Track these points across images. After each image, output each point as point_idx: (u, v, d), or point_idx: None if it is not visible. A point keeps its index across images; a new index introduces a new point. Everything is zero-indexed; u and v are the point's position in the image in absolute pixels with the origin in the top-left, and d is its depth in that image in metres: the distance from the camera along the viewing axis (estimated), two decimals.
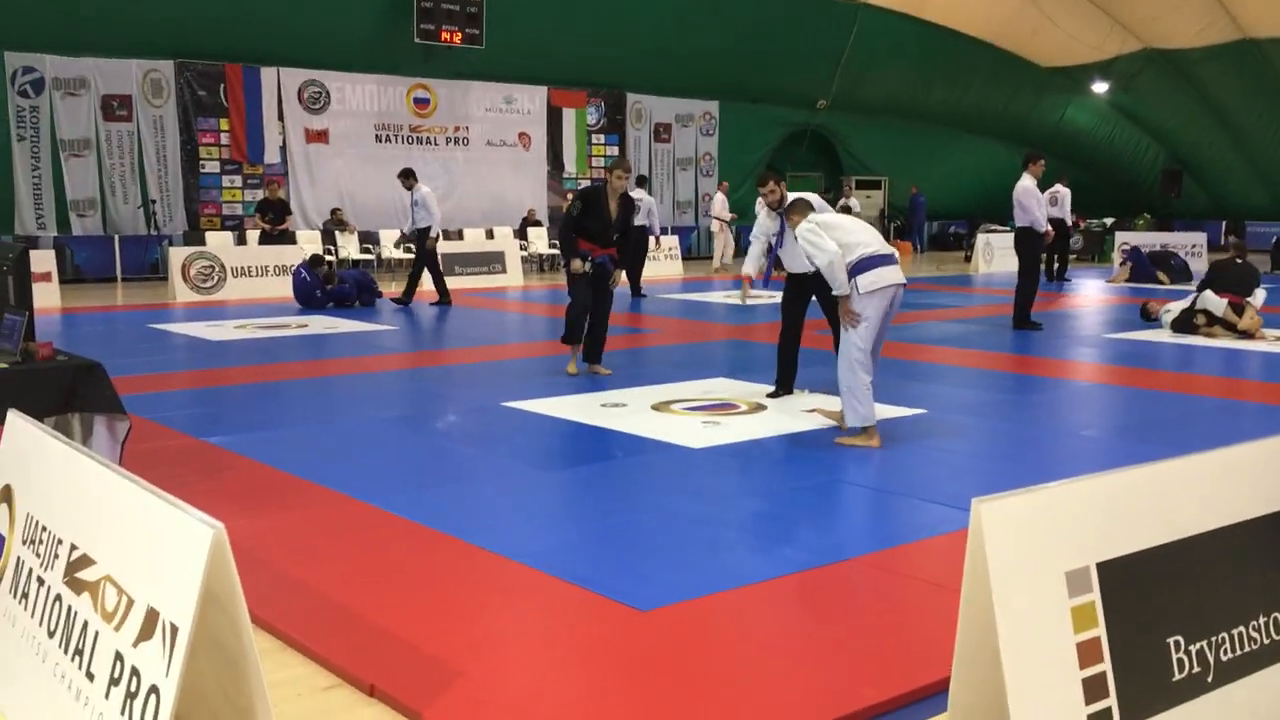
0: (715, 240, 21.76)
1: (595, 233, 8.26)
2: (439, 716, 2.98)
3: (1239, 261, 11.73)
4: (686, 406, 7.40)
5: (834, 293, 6.30)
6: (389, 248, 19.84)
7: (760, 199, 7.83)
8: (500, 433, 6.82)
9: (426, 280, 14.55)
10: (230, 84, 18.67)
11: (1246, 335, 10.88)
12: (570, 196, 22.61)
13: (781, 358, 7.77)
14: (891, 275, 6.22)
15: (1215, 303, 11.15)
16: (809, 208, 6.68)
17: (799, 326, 7.78)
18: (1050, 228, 12.25)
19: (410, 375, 9.10)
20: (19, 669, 2.83)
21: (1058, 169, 19.39)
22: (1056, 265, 18.49)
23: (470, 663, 3.33)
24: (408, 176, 14.52)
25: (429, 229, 14.20)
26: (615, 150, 23.53)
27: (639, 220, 14.45)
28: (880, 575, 4.19)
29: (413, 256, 15.28)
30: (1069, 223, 18.95)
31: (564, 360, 8.76)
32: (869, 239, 6.32)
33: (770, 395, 7.71)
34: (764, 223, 7.57)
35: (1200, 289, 11.54)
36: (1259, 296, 11.33)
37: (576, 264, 8.26)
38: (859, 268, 6.15)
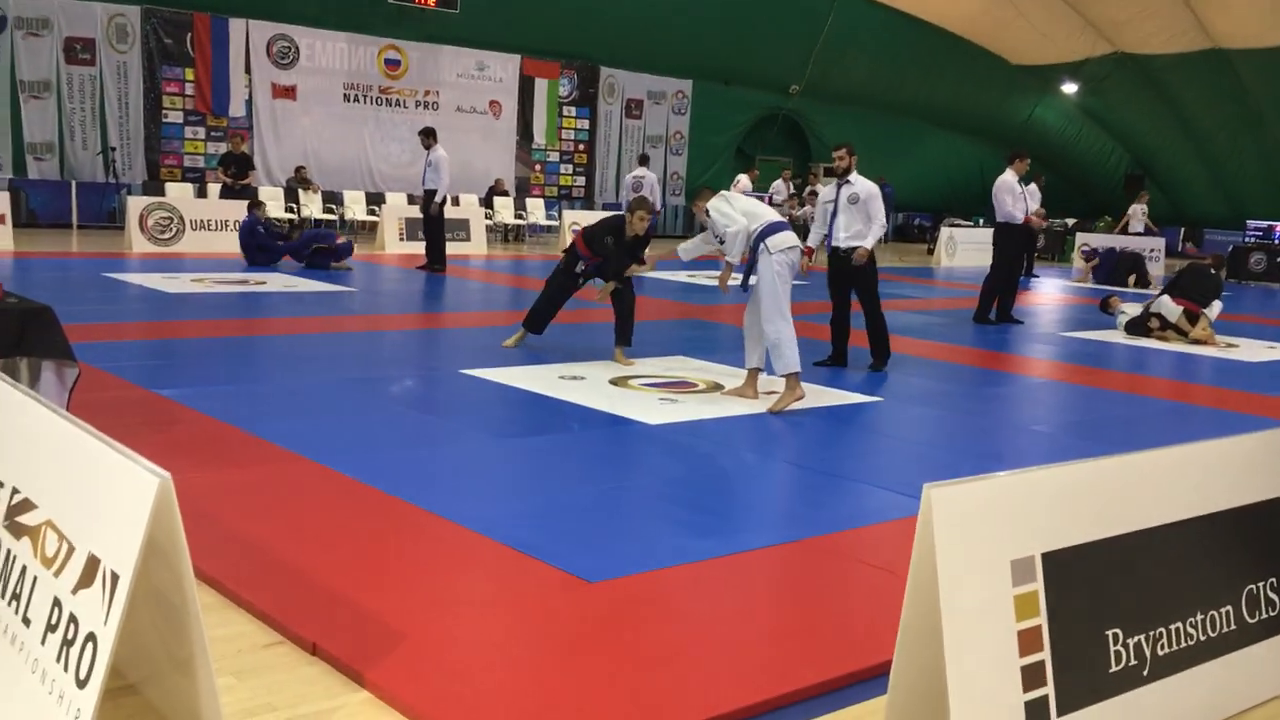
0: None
1: (599, 251, 8.36)
2: (380, 678, 2.97)
3: (1214, 271, 11.87)
4: (645, 383, 7.40)
5: (727, 258, 7.03)
6: (353, 209, 19.65)
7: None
8: (457, 399, 6.80)
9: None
10: (197, 33, 18.37)
11: (1198, 343, 11.00)
12: (538, 168, 22.69)
13: (834, 332, 8.62)
14: (793, 238, 7.06)
15: (1170, 309, 11.26)
16: (714, 192, 7.38)
17: (848, 303, 8.65)
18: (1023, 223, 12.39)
19: (369, 338, 9.03)
20: None
21: (1030, 169, 19.49)
22: (1026, 262, 18.63)
23: (414, 626, 3.32)
24: (428, 135, 14.47)
25: (435, 191, 14.11)
26: (586, 124, 23.41)
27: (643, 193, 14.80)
28: (828, 558, 4.22)
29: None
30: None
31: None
32: (768, 211, 7.26)
33: (819, 363, 8.38)
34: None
35: (1165, 290, 11.68)
36: (1215, 309, 11.43)
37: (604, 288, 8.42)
38: (766, 232, 6.93)
